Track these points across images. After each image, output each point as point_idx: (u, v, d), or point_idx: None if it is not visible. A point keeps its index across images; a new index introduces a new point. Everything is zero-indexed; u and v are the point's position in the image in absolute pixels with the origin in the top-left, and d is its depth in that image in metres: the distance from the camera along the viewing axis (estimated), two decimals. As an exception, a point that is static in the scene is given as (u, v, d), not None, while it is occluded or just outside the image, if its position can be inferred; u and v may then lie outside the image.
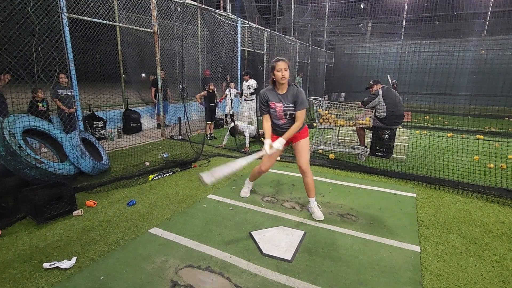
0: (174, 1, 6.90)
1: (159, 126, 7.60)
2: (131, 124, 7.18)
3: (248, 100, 7.29)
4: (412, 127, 8.69)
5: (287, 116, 2.94)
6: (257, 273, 2.19)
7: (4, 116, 3.85)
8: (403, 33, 15.21)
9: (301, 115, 2.88)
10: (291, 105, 2.88)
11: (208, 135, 6.87)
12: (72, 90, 5.08)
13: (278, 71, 2.78)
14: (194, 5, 7.58)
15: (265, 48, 10.83)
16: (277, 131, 3.01)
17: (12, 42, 4.14)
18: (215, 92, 6.80)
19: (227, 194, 3.64)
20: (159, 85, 6.70)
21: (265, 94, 2.96)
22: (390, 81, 5.54)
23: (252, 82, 7.16)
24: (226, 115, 9.24)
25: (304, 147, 3.05)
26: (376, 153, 5.38)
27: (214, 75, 8.80)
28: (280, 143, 2.84)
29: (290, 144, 3.18)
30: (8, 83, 4.52)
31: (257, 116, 7.04)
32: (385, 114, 5.08)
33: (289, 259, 2.37)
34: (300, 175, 4.36)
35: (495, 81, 12.59)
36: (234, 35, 8.81)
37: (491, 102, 10.45)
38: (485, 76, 13.02)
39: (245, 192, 3.59)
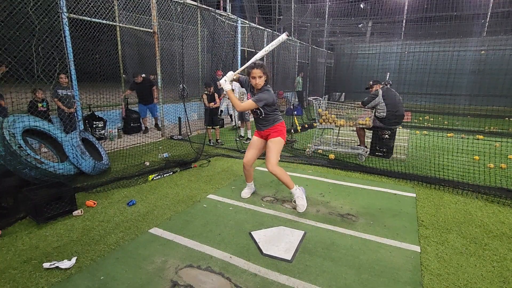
0: (174, 1, 6.90)
1: (157, 126, 7.59)
2: (131, 124, 7.18)
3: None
4: (412, 127, 8.69)
5: (256, 114, 3.12)
6: (257, 273, 2.19)
7: (4, 116, 3.85)
8: (403, 33, 15.22)
9: (247, 103, 3.04)
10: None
11: (211, 142, 6.32)
12: (72, 90, 5.08)
13: (253, 78, 2.94)
14: (194, 5, 7.58)
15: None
16: (256, 125, 3.28)
17: (12, 42, 4.14)
18: (215, 94, 6.63)
19: (227, 194, 3.64)
20: (159, 85, 6.69)
21: (248, 81, 3.12)
22: (387, 78, 5.55)
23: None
24: (230, 115, 9.26)
25: (271, 146, 3.15)
26: (376, 153, 5.38)
27: (215, 75, 8.80)
28: (226, 82, 3.00)
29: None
30: (4, 76, 4.48)
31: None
32: (385, 114, 5.09)
33: (289, 259, 2.37)
34: (299, 175, 4.38)
35: (495, 81, 12.58)
36: (234, 35, 8.81)
37: (491, 102, 10.45)
38: (485, 76, 13.01)
39: (245, 192, 3.59)
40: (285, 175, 3.17)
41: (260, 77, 2.91)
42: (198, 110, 8.75)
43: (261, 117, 3.12)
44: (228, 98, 7.35)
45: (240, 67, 9.48)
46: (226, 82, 3.00)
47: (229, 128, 7.86)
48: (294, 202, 3.22)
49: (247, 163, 3.38)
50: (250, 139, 6.65)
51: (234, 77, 3.14)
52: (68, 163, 3.82)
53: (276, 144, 3.14)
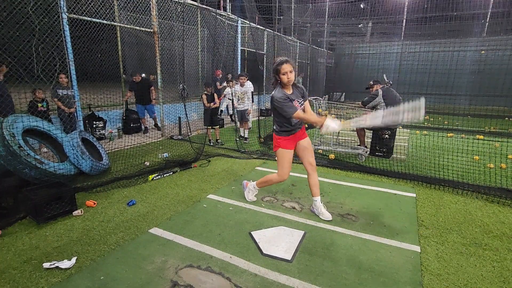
0: (174, 1, 6.90)
1: (157, 126, 7.59)
2: (131, 124, 7.18)
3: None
4: (412, 127, 8.69)
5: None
6: (257, 273, 2.19)
7: (4, 115, 3.85)
8: (403, 33, 15.22)
9: (309, 106, 2.96)
10: (301, 99, 2.93)
11: (211, 142, 6.30)
12: (72, 90, 5.08)
13: (284, 74, 2.76)
14: (194, 5, 7.59)
15: (265, 48, 10.84)
16: (294, 130, 2.95)
17: (12, 42, 4.14)
18: (214, 94, 6.57)
19: (227, 194, 3.64)
20: (159, 85, 6.70)
21: (287, 95, 2.83)
22: (385, 79, 5.55)
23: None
24: (230, 115, 9.28)
25: (310, 146, 3.09)
26: (376, 153, 5.38)
27: (214, 75, 8.81)
28: (335, 122, 2.66)
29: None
30: (4, 76, 4.51)
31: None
32: (385, 114, 5.08)
33: (289, 259, 2.37)
34: (299, 175, 4.37)
35: (495, 81, 12.58)
36: (234, 35, 8.82)
37: (491, 102, 10.45)
38: (485, 76, 13.01)
39: (253, 196, 3.48)
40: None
41: (291, 71, 2.79)
42: (198, 110, 8.75)
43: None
44: (227, 99, 7.24)
45: (240, 67, 9.50)
46: (334, 124, 2.69)
47: (230, 130, 7.85)
48: (320, 212, 3.09)
49: (286, 179, 3.15)
50: (247, 138, 6.63)
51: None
52: (68, 163, 3.82)
53: (310, 141, 3.11)
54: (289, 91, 2.87)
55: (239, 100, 6.51)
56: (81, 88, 5.39)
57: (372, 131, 5.36)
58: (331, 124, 2.66)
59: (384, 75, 5.82)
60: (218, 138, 6.41)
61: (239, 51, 9.47)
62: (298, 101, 2.88)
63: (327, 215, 3.04)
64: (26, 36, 4.18)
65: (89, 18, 5.29)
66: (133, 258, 2.35)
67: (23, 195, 2.99)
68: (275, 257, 2.39)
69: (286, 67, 2.76)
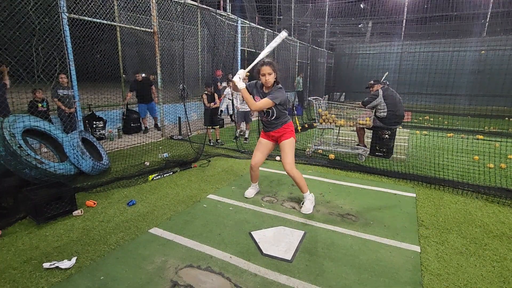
0: (174, 1, 6.90)
1: (157, 127, 7.59)
2: (131, 124, 7.18)
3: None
4: (412, 127, 8.69)
5: (267, 115, 3.08)
6: (257, 273, 2.19)
7: (4, 116, 3.85)
8: (403, 33, 15.22)
9: (263, 101, 2.96)
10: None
11: (211, 142, 6.31)
12: (72, 90, 5.08)
13: (263, 75, 2.92)
14: (194, 5, 7.59)
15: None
16: (265, 127, 3.24)
17: (12, 42, 4.14)
18: (214, 94, 6.54)
19: (227, 194, 3.64)
20: (159, 86, 6.70)
21: (254, 84, 3.13)
22: (383, 78, 5.54)
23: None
24: (230, 115, 9.28)
25: (286, 148, 3.12)
26: (376, 153, 5.38)
27: (214, 75, 8.80)
28: (240, 80, 2.92)
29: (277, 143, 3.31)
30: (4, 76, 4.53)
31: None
32: (385, 114, 5.08)
33: (289, 259, 2.37)
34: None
35: (495, 81, 12.58)
36: (234, 35, 8.81)
37: (491, 102, 10.44)
38: (485, 76, 13.01)
39: (249, 192, 3.58)
40: (301, 179, 3.17)
41: (269, 74, 2.88)
42: (198, 110, 8.75)
43: (272, 118, 3.07)
44: (227, 99, 7.28)
45: (240, 67, 9.52)
46: (240, 80, 2.93)
47: (230, 130, 7.86)
48: (303, 204, 3.22)
49: (255, 165, 3.34)
50: (247, 138, 6.65)
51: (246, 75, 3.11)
52: (68, 163, 3.82)
53: (290, 145, 3.13)
54: (265, 90, 3.06)
55: (243, 101, 6.48)
56: (81, 88, 5.38)
57: (372, 131, 5.36)
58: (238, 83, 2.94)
59: (386, 74, 5.82)
60: (218, 138, 6.40)
61: (239, 51, 9.47)
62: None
63: (305, 209, 3.14)
64: (26, 36, 4.18)
65: (89, 18, 5.28)
66: (133, 258, 2.35)
67: (23, 195, 2.99)
68: (275, 257, 2.39)
69: (265, 69, 2.89)
